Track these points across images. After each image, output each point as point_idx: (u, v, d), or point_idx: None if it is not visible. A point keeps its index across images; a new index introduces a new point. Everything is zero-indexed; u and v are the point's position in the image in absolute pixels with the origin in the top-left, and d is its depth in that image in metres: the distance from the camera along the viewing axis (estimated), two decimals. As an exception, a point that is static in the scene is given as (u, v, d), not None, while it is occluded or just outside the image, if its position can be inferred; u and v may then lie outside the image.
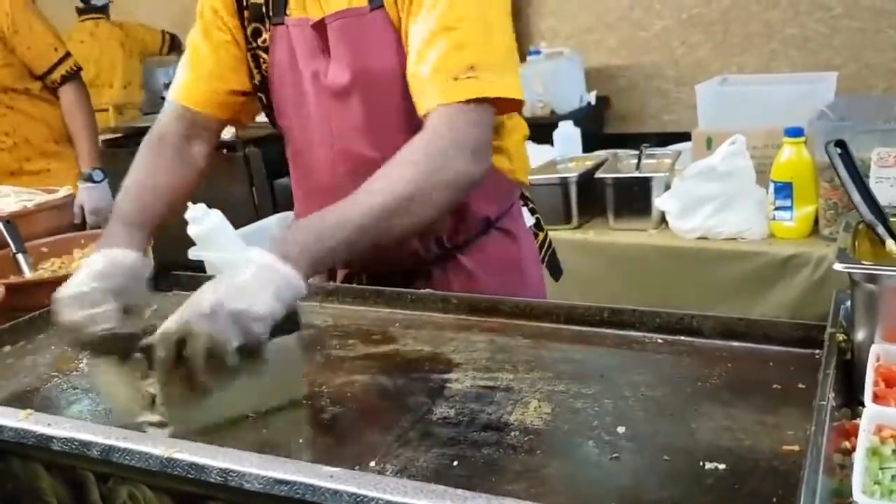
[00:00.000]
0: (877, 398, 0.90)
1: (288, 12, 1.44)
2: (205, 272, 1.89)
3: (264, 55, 1.49)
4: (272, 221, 2.17)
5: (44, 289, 1.65)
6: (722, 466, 0.89)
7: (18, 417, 1.00)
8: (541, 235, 1.73)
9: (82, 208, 2.76)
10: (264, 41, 1.48)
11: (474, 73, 1.24)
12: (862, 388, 0.92)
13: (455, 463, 0.94)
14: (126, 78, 5.05)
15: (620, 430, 0.99)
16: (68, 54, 2.89)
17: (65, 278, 1.68)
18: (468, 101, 1.23)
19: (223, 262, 1.81)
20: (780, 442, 0.93)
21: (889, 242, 1.10)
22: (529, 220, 1.66)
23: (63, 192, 2.22)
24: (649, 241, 2.51)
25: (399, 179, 1.18)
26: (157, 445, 0.90)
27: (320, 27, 1.39)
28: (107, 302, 1.13)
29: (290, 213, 2.24)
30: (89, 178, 2.80)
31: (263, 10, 1.47)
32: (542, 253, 1.73)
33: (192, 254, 1.91)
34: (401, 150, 1.23)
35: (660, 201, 2.49)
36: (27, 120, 2.81)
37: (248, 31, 1.49)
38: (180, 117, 1.52)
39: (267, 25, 1.47)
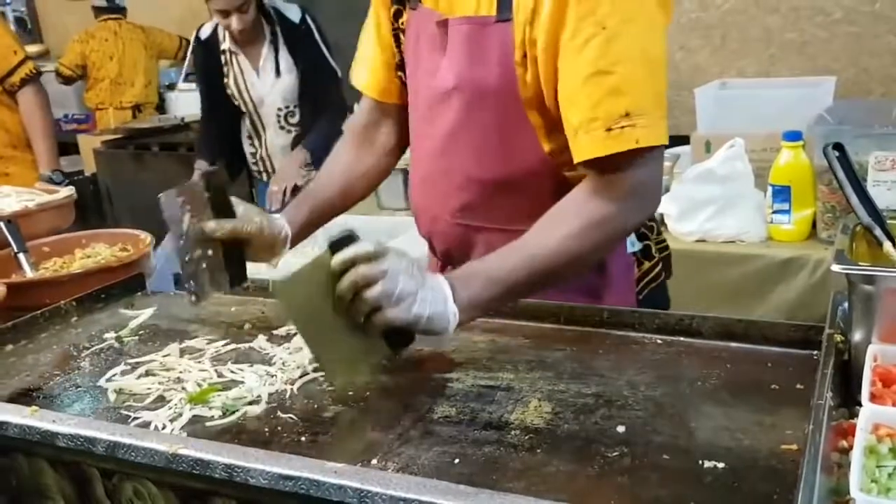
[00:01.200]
0: (874, 398, 0.91)
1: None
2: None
3: (402, 37, 1.50)
4: (273, 222, 2.17)
5: (45, 288, 1.67)
6: (721, 465, 0.90)
7: (24, 414, 1.01)
8: (647, 265, 1.48)
9: None
10: (403, 23, 1.48)
11: (630, 120, 1.16)
12: (859, 388, 0.94)
13: (456, 461, 0.95)
14: (147, 77, 5.13)
15: (620, 429, 1.00)
16: (28, 58, 2.91)
17: (66, 277, 1.71)
18: (623, 153, 1.17)
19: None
20: (778, 441, 0.94)
21: (886, 245, 1.11)
22: (634, 245, 1.45)
23: (65, 191, 2.23)
24: (648, 244, 2.51)
25: (563, 241, 1.19)
26: (162, 442, 0.91)
27: (443, 26, 1.35)
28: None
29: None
30: (49, 181, 2.78)
31: None
32: (643, 284, 1.47)
33: (193, 254, 1.91)
34: (563, 204, 1.23)
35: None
36: None
37: (392, 10, 1.50)
38: (365, 106, 1.58)
39: (406, 7, 1.46)
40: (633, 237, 1.44)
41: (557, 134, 1.27)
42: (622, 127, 1.16)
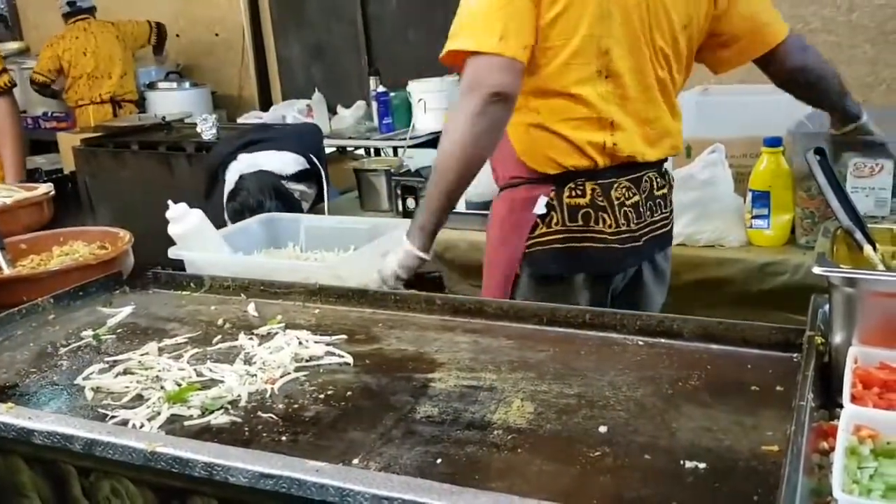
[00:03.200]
0: (854, 399, 0.92)
1: None
2: (185, 271, 1.88)
3: None
4: (253, 222, 2.16)
5: (22, 285, 1.65)
6: (702, 465, 0.90)
7: (-1, 411, 0.99)
8: (542, 229, 1.64)
9: None
10: None
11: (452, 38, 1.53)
12: (839, 390, 0.94)
13: (438, 461, 0.94)
14: (123, 68, 5.11)
15: (602, 429, 1.00)
16: (5, 69, 2.89)
17: (43, 275, 1.69)
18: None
19: (205, 262, 1.81)
20: (759, 442, 0.94)
21: (866, 248, 1.12)
22: (540, 209, 1.64)
23: (43, 188, 2.20)
24: (629, 248, 2.52)
25: (448, 134, 1.52)
26: (141, 439, 0.89)
27: None
28: None
29: (273, 214, 2.23)
30: None
31: None
32: (532, 240, 1.65)
33: (172, 253, 1.89)
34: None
35: (640, 208, 2.51)
36: None
37: None
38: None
39: None
40: (542, 201, 1.64)
41: None
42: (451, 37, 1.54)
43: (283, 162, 3.07)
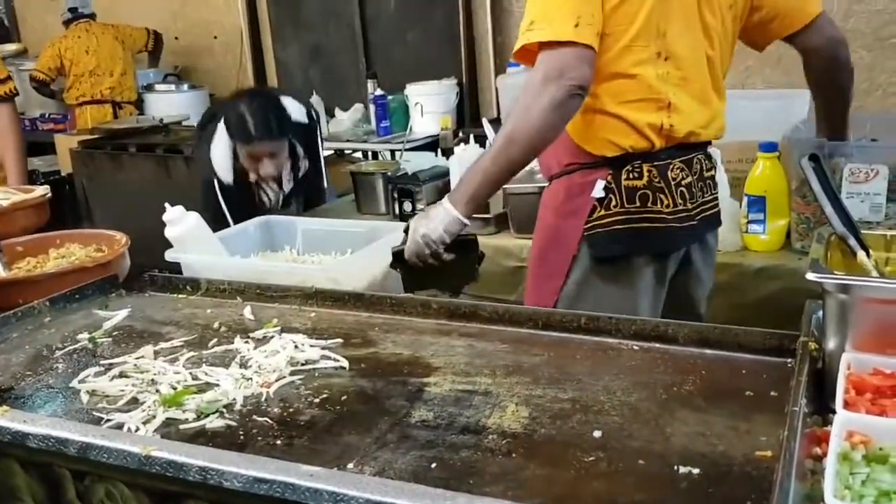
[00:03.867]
0: (847, 405, 0.92)
1: None
2: (181, 274, 1.88)
3: None
4: (250, 225, 2.16)
5: (18, 288, 1.65)
6: (696, 471, 0.91)
7: (-7, 414, 0.99)
8: (601, 212, 1.66)
9: None
10: None
11: (532, 27, 1.54)
12: (832, 396, 0.95)
13: (433, 465, 0.95)
14: (123, 67, 5.15)
15: (597, 434, 1.00)
16: (9, 77, 2.90)
17: (39, 277, 1.69)
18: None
19: (202, 265, 1.81)
20: (753, 447, 0.95)
21: (860, 254, 1.12)
22: (598, 192, 1.67)
23: (40, 190, 2.20)
24: (625, 252, 2.53)
25: (513, 121, 1.55)
26: (135, 443, 0.89)
27: None
28: None
29: (270, 217, 2.23)
30: None
31: None
32: (592, 223, 1.67)
33: (170, 255, 1.89)
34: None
35: (636, 212, 2.51)
36: None
37: None
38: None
39: None
40: (600, 185, 1.66)
41: None
42: (529, 30, 1.55)
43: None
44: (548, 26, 1.52)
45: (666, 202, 1.66)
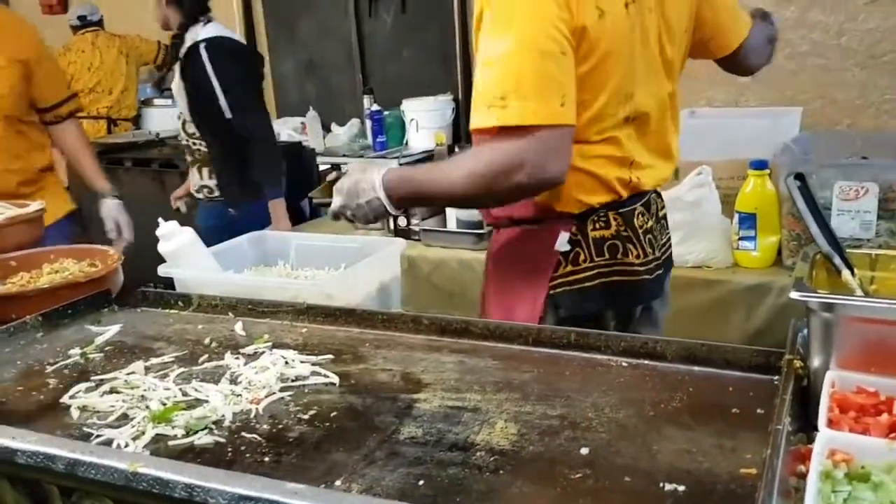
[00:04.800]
0: (831, 423, 0.93)
1: None
2: (174, 289, 1.88)
3: None
4: (244, 240, 2.17)
5: (11, 302, 1.65)
6: (681, 488, 0.91)
7: (-18, 430, 0.99)
8: (569, 268, 1.56)
9: (117, 222, 2.82)
10: None
11: (504, 102, 1.34)
12: (817, 414, 0.95)
13: (420, 482, 0.95)
14: (125, 84, 5.16)
15: (584, 451, 1.01)
16: (75, 95, 3.00)
17: (32, 292, 1.69)
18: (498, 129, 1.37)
19: (195, 280, 1.81)
20: (738, 465, 0.95)
21: (845, 273, 1.13)
22: (563, 245, 1.56)
23: (34, 206, 2.20)
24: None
25: (454, 181, 1.44)
26: (122, 460, 0.90)
27: None
28: None
29: (263, 232, 2.24)
30: (114, 196, 2.90)
31: None
32: (557, 282, 1.56)
33: (162, 271, 1.90)
34: (466, 154, 1.51)
35: (629, 229, 2.53)
36: (33, 146, 2.82)
37: None
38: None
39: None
40: (564, 237, 1.56)
41: None
42: (501, 106, 1.34)
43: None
44: (530, 104, 1.32)
45: (635, 252, 1.58)
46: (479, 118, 1.38)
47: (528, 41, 1.34)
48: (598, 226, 1.56)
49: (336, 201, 1.58)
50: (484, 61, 1.38)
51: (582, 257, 1.56)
